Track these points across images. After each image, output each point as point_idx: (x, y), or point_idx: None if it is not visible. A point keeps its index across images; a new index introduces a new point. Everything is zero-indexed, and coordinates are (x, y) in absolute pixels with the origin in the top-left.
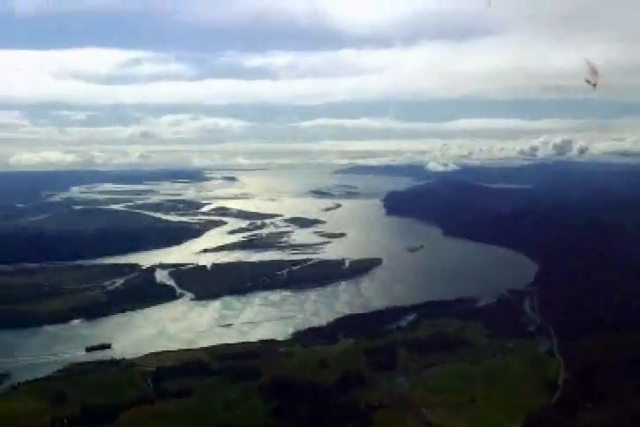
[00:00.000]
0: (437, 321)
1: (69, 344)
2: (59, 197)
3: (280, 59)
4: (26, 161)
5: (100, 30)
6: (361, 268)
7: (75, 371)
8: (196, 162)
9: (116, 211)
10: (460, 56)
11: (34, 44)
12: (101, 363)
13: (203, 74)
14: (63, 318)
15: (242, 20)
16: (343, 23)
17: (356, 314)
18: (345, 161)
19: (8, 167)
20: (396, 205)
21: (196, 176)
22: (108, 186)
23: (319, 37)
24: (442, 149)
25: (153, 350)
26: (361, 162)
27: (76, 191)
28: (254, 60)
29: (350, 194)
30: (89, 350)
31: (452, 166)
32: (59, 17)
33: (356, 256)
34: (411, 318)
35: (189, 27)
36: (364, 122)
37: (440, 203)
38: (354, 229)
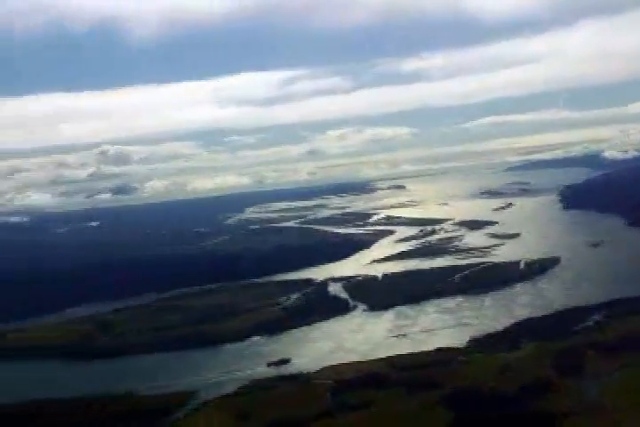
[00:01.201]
0: (627, 319)
1: (251, 361)
2: (235, 218)
3: (432, 60)
4: (203, 187)
5: (251, 54)
6: (538, 268)
7: (257, 387)
8: (364, 173)
9: (289, 228)
10: (627, 31)
11: (194, 75)
12: (282, 378)
13: (359, 84)
14: (244, 335)
15: (384, 24)
16: (487, 12)
17: (537, 317)
18: (516, 158)
19: (187, 195)
20: (573, 198)
21: (363, 187)
22: (280, 204)
23: (465, 32)
24: (620, 136)
25: (331, 363)
26: (533, 157)
27: (250, 212)
28: (407, 64)
29: (523, 191)
30: (269, 365)
31: (632, 153)
32: (200, 47)
33: (531, 256)
34: (597, 317)
35: (337, 39)
36: (532, 115)
37: (621, 192)
38: (528, 228)
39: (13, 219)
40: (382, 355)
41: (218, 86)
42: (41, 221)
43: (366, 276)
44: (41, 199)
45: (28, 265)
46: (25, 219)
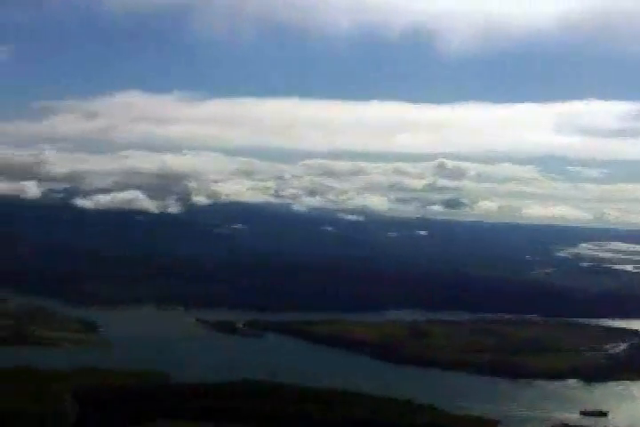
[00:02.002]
0: None
1: (562, 404)
2: (566, 252)
3: None
4: (536, 214)
5: (599, 79)
6: None
7: None
8: None
9: (626, 272)
10: None
11: (532, 96)
12: None
13: None
14: (558, 375)
15: None
16: None
17: None
18: None
19: (518, 219)
20: None
21: None
22: (620, 245)
23: None
24: None
25: None
26: None
27: (584, 248)
28: None
29: None
30: (583, 414)
31: None
32: (535, 66)
33: None
34: None
35: None
36: None
37: None
38: None
39: (350, 217)
40: None
41: (560, 111)
42: (374, 223)
43: None
44: (377, 202)
45: (361, 263)
46: (360, 218)
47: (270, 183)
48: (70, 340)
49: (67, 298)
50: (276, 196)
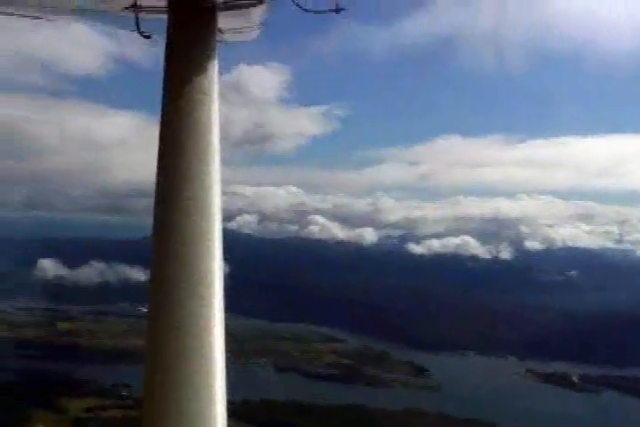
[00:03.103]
0: None
1: None
2: None
3: None
4: None
5: None
6: None
7: None
8: None
9: None
10: None
11: None
12: None
13: None
14: None
15: None
16: None
17: None
18: None
19: None
20: None
21: None
22: None
23: None
24: None
25: None
26: None
27: None
28: None
29: None
30: None
31: None
32: None
33: None
34: None
35: None
36: None
37: None
38: None
39: None
40: None
41: None
42: None
43: None
44: None
45: None
46: None
47: (612, 227)
48: (400, 382)
49: (397, 341)
50: (619, 241)
